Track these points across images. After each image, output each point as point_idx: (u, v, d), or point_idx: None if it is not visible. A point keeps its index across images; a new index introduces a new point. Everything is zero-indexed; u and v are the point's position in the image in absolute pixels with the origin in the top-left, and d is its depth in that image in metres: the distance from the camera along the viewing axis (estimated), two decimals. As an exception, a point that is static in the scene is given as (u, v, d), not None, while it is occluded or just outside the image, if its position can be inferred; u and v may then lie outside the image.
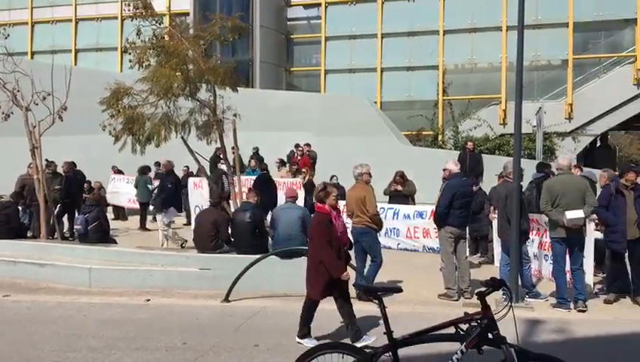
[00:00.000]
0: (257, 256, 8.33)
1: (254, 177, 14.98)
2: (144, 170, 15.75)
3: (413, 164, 14.98)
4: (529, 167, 11.06)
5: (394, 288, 4.32)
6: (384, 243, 12.23)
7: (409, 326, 4.47)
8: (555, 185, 7.84)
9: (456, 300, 8.08)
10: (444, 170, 8.91)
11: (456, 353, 3.76)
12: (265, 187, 12.56)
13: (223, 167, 12.97)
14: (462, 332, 3.79)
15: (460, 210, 8.23)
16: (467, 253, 8.89)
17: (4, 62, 10.95)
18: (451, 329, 3.84)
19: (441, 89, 27.99)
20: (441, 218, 8.33)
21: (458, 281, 8.25)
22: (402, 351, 3.87)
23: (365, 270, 8.16)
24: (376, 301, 3.98)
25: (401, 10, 28.67)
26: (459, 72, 28.86)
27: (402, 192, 12.63)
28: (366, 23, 29.15)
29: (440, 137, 26.37)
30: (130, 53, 11.06)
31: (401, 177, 12.70)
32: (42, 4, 32.68)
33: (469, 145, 15.82)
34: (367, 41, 29.46)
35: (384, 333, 3.85)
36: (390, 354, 3.83)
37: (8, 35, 11.60)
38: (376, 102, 27.33)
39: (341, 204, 12.89)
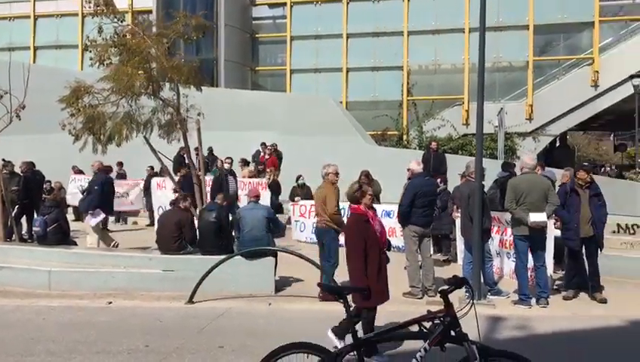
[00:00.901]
0: (222, 257, 8.26)
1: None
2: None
3: (379, 164, 15.07)
4: (491, 167, 11.25)
5: (359, 288, 4.33)
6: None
7: (374, 324, 4.49)
8: (520, 184, 7.98)
9: (421, 298, 8.16)
10: (407, 169, 8.99)
11: (420, 351, 3.80)
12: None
13: (226, 166, 13.18)
14: (425, 330, 3.83)
15: (423, 208, 8.31)
16: (431, 252, 9.00)
17: (-41, 58, 10.61)
18: (415, 327, 3.87)
19: (405, 89, 28.29)
20: (403, 217, 8.41)
21: (422, 279, 8.34)
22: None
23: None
24: (341, 300, 3.99)
25: (366, 11, 28.87)
26: (423, 72, 29.21)
27: (367, 192, 12.70)
28: (331, 23, 29.25)
29: (405, 137, 26.64)
30: (90, 51, 10.84)
31: (366, 177, 12.74)
32: (0, 0, 31.78)
33: (433, 145, 16.00)
34: (332, 41, 29.56)
35: (348, 332, 3.86)
36: (355, 353, 3.85)
37: (-37, 31, 11.24)
38: (341, 102, 27.43)
39: (307, 203, 13.13)
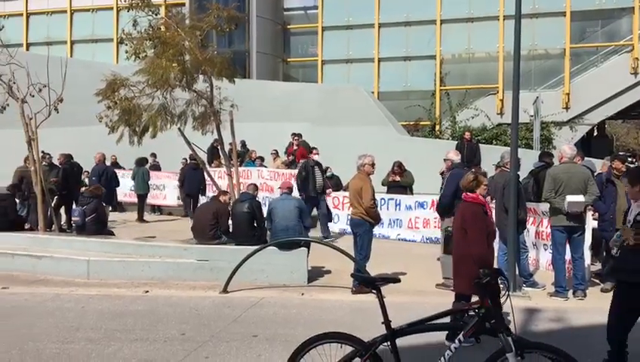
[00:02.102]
0: (255, 247, 8.34)
1: (253, 168, 15.02)
2: (141, 162, 15.76)
3: (411, 154, 14.97)
4: (526, 157, 11.07)
5: (392, 278, 4.32)
6: (385, 234, 12.33)
7: (407, 316, 4.48)
8: (559, 174, 7.83)
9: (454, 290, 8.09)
10: (445, 160, 8.83)
11: (454, 342, 3.78)
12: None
13: (316, 157, 12.80)
14: (460, 322, 3.80)
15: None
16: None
17: (0, 53, 10.87)
18: (449, 319, 3.85)
19: (438, 79, 27.93)
20: (446, 208, 8.21)
21: None
22: (400, 341, 3.88)
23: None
24: (374, 291, 3.99)
25: (398, 0, 28.56)
26: (456, 61, 28.78)
27: (400, 183, 12.65)
28: (363, 12, 29.01)
29: (437, 127, 26.36)
30: (126, 45, 11.00)
31: (398, 167, 12.70)
32: (37, -5, 32.49)
33: (467, 135, 15.82)
34: (364, 31, 29.34)
35: (382, 323, 3.86)
36: (388, 343, 3.85)
37: (3, 27, 11.52)
38: (373, 93, 27.27)
39: (339, 194, 13.14)
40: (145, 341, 5.97)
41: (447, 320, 3.88)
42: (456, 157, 8.66)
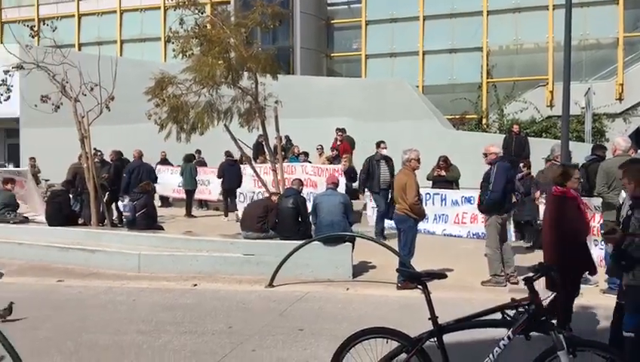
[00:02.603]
0: (300, 242, 8.40)
1: (297, 164, 15.10)
2: (189, 158, 16.06)
3: (457, 148, 14.75)
4: (577, 150, 10.76)
5: (438, 274, 4.28)
6: (430, 230, 12.20)
7: (453, 312, 4.43)
8: (613, 167, 7.56)
9: (505, 286, 7.95)
10: (486, 154, 8.59)
11: (503, 339, 3.72)
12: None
13: (384, 151, 12.14)
14: (509, 318, 3.74)
15: (508, 194, 8.07)
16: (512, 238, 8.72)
17: (53, 54, 11.24)
18: (498, 315, 3.79)
19: (485, 71, 27.38)
20: (497, 203, 7.96)
21: (504, 267, 8.11)
22: (447, 337, 3.84)
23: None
24: (420, 287, 3.96)
25: (443, -9, 28.14)
26: (503, 53, 28.15)
27: (446, 177, 12.48)
28: (407, 5, 28.70)
29: (484, 120, 25.86)
30: (173, 43, 11.21)
31: (444, 162, 12.54)
32: (88, -3, 33.47)
33: (515, 128, 15.47)
34: (408, 25, 29.03)
35: (429, 319, 3.83)
36: (435, 339, 3.81)
37: (56, 28, 11.89)
38: (418, 86, 26.97)
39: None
40: (194, 333, 6.10)
41: (496, 316, 3.80)
42: (499, 149, 8.45)
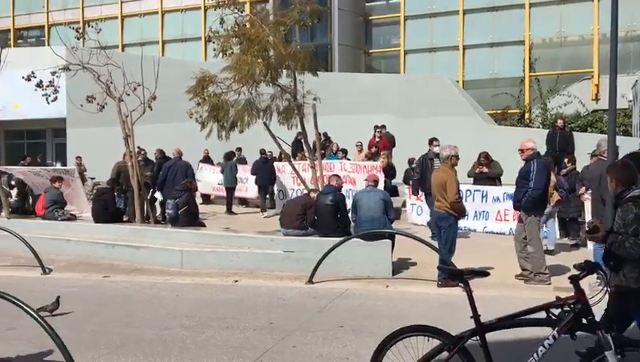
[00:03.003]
0: (340, 239, 8.40)
1: (335, 161, 15.11)
2: (229, 156, 16.25)
3: (499, 144, 14.50)
4: (625, 145, 10.43)
5: (480, 271, 4.22)
6: (471, 227, 12.03)
7: (496, 310, 4.37)
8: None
9: (549, 284, 7.77)
10: (522, 150, 8.34)
11: (548, 338, 3.64)
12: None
13: (436, 149, 11.31)
14: (554, 318, 3.66)
15: (546, 190, 7.87)
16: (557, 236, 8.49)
17: (98, 55, 11.54)
18: (542, 314, 3.71)
19: (527, 65, 26.87)
20: (538, 201, 7.76)
21: (529, 263, 7.91)
22: (490, 336, 3.79)
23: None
24: (462, 284, 3.92)
25: (484, -15, 27.70)
26: (547, 46, 27.55)
27: (488, 174, 12.27)
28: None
29: (527, 115, 25.39)
30: (213, 43, 11.36)
31: (485, 158, 12.33)
32: (131, -1, 34.24)
33: (559, 122, 15.12)
34: (447, 19, 28.71)
35: (471, 317, 3.78)
36: (477, 338, 3.76)
37: (100, 30, 12.20)
38: (458, 81, 26.63)
39: (423, 186, 12.88)
40: (235, 329, 6.18)
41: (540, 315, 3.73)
42: (535, 145, 8.25)
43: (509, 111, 25.66)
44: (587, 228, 4.50)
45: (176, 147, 13.89)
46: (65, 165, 19.13)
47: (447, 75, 23.89)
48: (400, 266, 8.92)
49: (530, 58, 26.94)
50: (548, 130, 15.93)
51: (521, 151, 8.15)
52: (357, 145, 16.47)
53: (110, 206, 11.84)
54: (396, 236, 8.83)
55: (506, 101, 25.74)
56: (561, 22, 26.80)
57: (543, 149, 13.90)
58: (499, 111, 25.25)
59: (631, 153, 7.28)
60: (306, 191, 11.12)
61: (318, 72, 11.62)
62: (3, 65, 17.17)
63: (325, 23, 28.10)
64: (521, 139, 8.46)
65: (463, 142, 11.34)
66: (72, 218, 12.28)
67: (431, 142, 11.82)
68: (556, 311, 3.67)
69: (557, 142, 13.81)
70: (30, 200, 13.97)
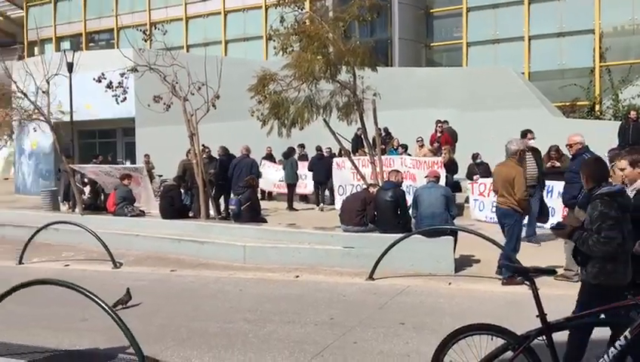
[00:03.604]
0: (400, 235, 8.33)
1: (396, 157, 14.99)
2: (290, 153, 16.43)
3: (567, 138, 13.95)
4: None
5: (546, 269, 4.09)
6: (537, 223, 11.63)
7: (563, 309, 4.23)
8: None
9: (577, 281, 7.40)
10: (571, 145, 7.96)
11: (620, 339, 3.49)
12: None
13: (531, 142, 10.55)
14: (626, 318, 3.50)
15: None
16: None
17: (164, 56, 11.90)
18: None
19: (597, 55, 25.73)
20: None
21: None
22: (556, 336, 3.67)
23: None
24: (528, 282, 3.81)
25: (550, -28, 26.70)
26: (618, 34, 26.27)
27: (559, 168, 11.81)
28: (511, -11, 27.58)
29: (597, 107, 24.33)
30: (274, 41, 11.48)
31: (556, 152, 11.87)
32: (195, 0, 35.06)
33: (632, 114, 14.42)
34: (512, 9, 27.87)
35: (537, 316, 3.68)
36: (544, 338, 3.65)
37: (166, 31, 12.56)
38: (523, 73, 25.82)
39: (487, 181, 12.63)
40: (297, 323, 6.25)
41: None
42: (582, 139, 7.86)
43: (578, 103, 24.68)
44: (551, 225, 4.60)
45: (244, 144, 14.16)
46: (134, 163, 19.85)
47: (512, 67, 23.22)
48: (463, 263, 8.76)
49: (600, 47, 25.78)
50: (620, 122, 15.23)
51: (569, 146, 7.84)
52: (417, 141, 16.27)
53: (176, 202, 12.21)
54: (459, 232, 8.68)
55: (575, 93, 24.77)
56: (633, 9, 25.49)
57: (614, 142, 13.30)
58: (567, 104, 24.33)
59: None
60: (365, 187, 11.08)
61: (377, 67, 11.54)
62: (76, 68, 18.08)
63: (385, 18, 27.87)
64: (591, 132, 8.14)
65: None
66: (141, 214, 12.75)
67: (525, 134, 10.73)
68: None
69: (630, 134, 13.20)
70: (102, 197, 14.60)
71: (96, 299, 4.52)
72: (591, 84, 25.34)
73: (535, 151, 10.44)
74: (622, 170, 4.57)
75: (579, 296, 4.35)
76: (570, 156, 8.43)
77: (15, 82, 14.60)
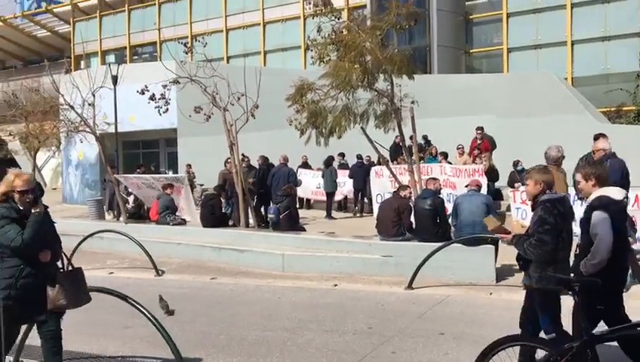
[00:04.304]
0: (439, 244, 8.25)
1: (435, 165, 14.85)
2: (329, 161, 16.47)
3: (614, 143, 13.53)
4: None
5: (590, 280, 3.99)
6: (577, 232, 11.34)
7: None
8: None
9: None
10: (594, 151, 7.71)
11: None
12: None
13: (605, 145, 8.30)
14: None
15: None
16: None
17: (204, 68, 12.13)
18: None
19: (644, 58, 24.96)
20: None
21: None
22: (601, 348, 3.57)
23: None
24: (571, 292, 3.72)
25: (593, -25, 26.11)
26: (665, 37, 25.46)
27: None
28: (552, -7, 27.06)
29: (645, 112, 23.59)
30: (312, 50, 11.57)
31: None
32: (234, 12, 35.63)
33: (681, 119, 13.92)
34: (554, 13, 27.34)
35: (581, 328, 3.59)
36: (587, 350, 3.56)
37: (206, 44, 12.81)
38: (566, 79, 25.27)
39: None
40: (335, 332, 6.25)
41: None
42: (608, 145, 7.60)
43: (624, 108, 23.99)
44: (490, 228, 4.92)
45: (282, 154, 14.30)
46: (176, 172, 20.24)
47: (555, 72, 22.75)
48: (504, 273, 8.60)
49: (646, 50, 25.03)
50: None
51: (593, 152, 7.64)
52: (458, 148, 16.07)
53: (217, 211, 12.38)
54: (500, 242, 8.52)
55: (620, 98, 24.10)
56: (682, 10, 24.70)
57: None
58: (613, 109, 23.68)
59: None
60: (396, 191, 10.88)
61: (415, 75, 11.49)
62: (120, 81, 18.60)
63: (424, 25, 27.71)
64: (637, 138, 7.90)
65: (573, 142, 10.76)
66: (183, 222, 12.98)
67: (597, 138, 8.88)
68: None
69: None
70: (145, 207, 14.94)
71: (140, 308, 4.65)
72: (637, 88, 24.60)
73: (614, 158, 8.31)
74: (578, 182, 4.67)
75: (524, 302, 4.57)
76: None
77: (62, 95, 15.13)
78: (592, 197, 4.39)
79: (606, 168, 4.99)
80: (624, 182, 7.33)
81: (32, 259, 4.43)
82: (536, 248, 4.27)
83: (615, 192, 4.39)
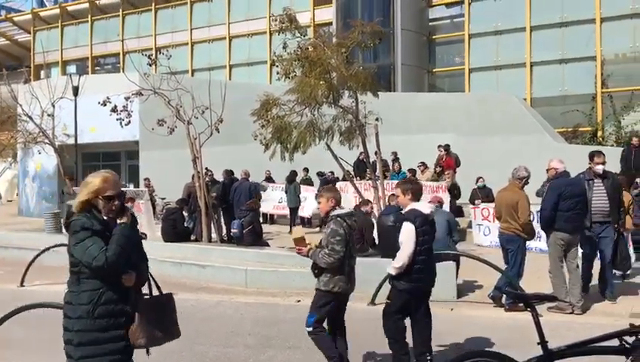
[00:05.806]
0: (403, 260, 8.28)
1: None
2: (292, 177, 16.48)
3: (570, 163, 13.90)
4: None
5: (547, 296, 4.08)
6: (542, 247, 11.60)
7: (567, 336, 4.19)
8: None
9: (571, 313, 7.35)
10: (547, 169, 8.06)
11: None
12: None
13: (599, 167, 8.05)
14: (627, 346, 3.47)
15: (570, 212, 7.45)
16: (578, 262, 7.83)
17: (169, 80, 12.02)
18: (615, 342, 3.53)
19: (599, 81, 25.88)
20: (547, 222, 7.61)
21: (569, 294, 7.49)
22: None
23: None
24: (529, 309, 3.79)
25: (552, 0, 26.99)
26: (620, 61, 26.47)
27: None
28: (513, 16, 27.87)
29: (599, 133, 24.39)
30: (277, 66, 11.61)
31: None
32: (200, 25, 35.50)
33: (634, 140, 14.45)
34: (514, 36, 28.16)
35: (538, 344, 3.65)
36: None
37: (171, 56, 12.72)
38: (525, 99, 25.97)
39: (490, 206, 12.61)
40: (298, 349, 6.20)
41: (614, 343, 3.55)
42: (561, 165, 7.88)
43: (581, 129, 24.77)
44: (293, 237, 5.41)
45: (244, 168, 14.23)
46: (137, 186, 19.89)
47: (514, 93, 23.36)
48: (465, 289, 8.71)
49: (602, 74, 25.96)
50: (623, 148, 15.26)
51: (547, 170, 7.95)
52: (419, 166, 16.33)
53: (179, 225, 12.20)
54: (461, 258, 8.64)
55: (577, 119, 24.88)
56: (634, 36, 25.74)
57: (617, 168, 13.30)
58: (569, 129, 24.42)
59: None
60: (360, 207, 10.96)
61: (379, 92, 11.65)
62: (81, 92, 18.27)
63: (388, 44, 28.15)
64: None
65: (531, 161, 10.99)
66: (143, 237, 12.70)
67: (592, 156, 8.27)
68: (630, 339, 3.49)
69: (632, 160, 13.21)
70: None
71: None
72: (593, 110, 25.45)
73: (605, 179, 8.03)
74: (397, 196, 5.41)
75: (312, 301, 5.22)
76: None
77: (21, 105, 14.77)
78: (406, 209, 5.21)
79: (420, 185, 5.66)
80: (568, 202, 7.49)
81: (114, 280, 3.49)
82: (329, 256, 4.97)
83: (424, 207, 5.25)
